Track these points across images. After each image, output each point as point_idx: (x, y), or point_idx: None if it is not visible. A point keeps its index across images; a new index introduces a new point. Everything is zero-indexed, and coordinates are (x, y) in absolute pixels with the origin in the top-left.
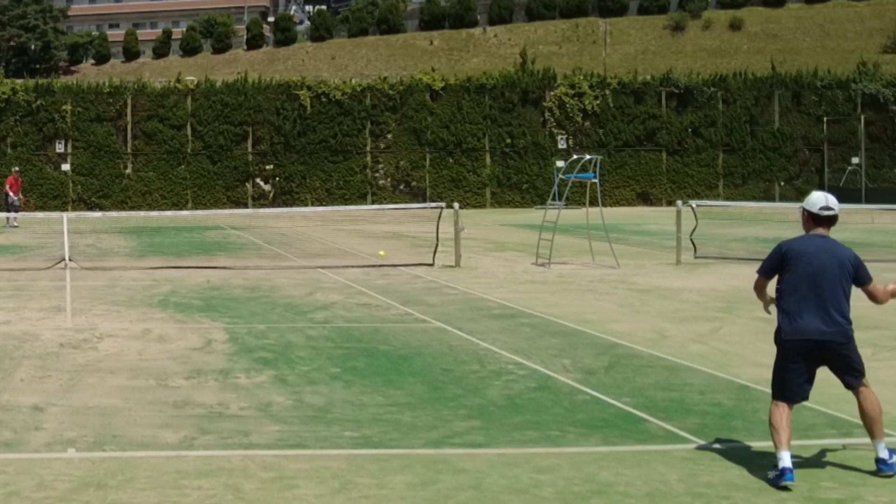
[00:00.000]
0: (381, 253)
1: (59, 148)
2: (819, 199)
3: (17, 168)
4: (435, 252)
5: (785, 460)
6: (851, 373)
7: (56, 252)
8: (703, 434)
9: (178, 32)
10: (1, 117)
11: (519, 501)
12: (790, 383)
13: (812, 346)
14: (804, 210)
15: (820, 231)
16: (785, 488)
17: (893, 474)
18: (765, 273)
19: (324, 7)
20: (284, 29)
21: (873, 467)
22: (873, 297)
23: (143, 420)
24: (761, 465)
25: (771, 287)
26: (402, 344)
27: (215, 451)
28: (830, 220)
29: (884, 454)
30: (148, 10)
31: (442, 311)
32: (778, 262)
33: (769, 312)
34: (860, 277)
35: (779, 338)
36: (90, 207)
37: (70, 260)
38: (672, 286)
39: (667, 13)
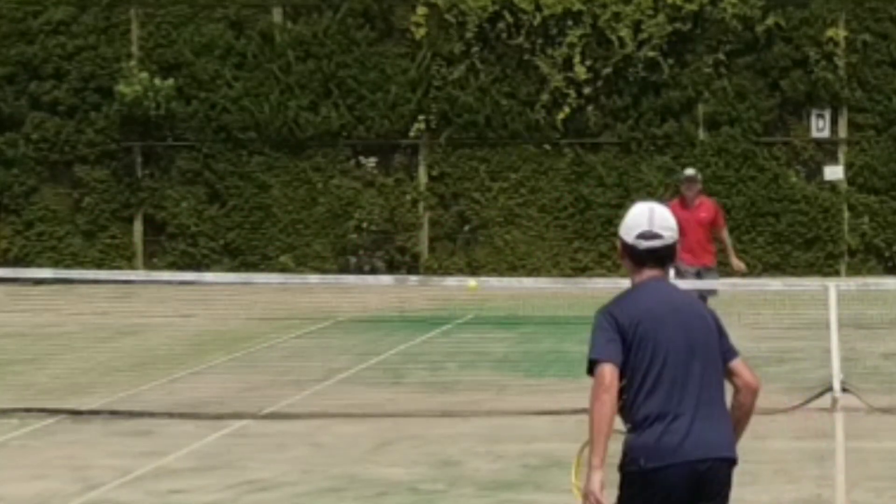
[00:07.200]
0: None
1: None
2: (638, 219)
3: (691, 172)
4: None
5: None
6: None
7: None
8: None
9: None
10: None
11: None
12: None
13: (693, 475)
14: (619, 239)
15: (648, 274)
16: None
17: None
18: (611, 353)
19: None
20: None
21: None
22: (743, 387)
23: None
24: None
25: None
26: None
27: None
28: (659, 256)
29: None
30: None
31: None
32: (618, 337)
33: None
34: (725, 348)
35: (632, 468)
36: None
37: (844, 389)
38: None
39: None
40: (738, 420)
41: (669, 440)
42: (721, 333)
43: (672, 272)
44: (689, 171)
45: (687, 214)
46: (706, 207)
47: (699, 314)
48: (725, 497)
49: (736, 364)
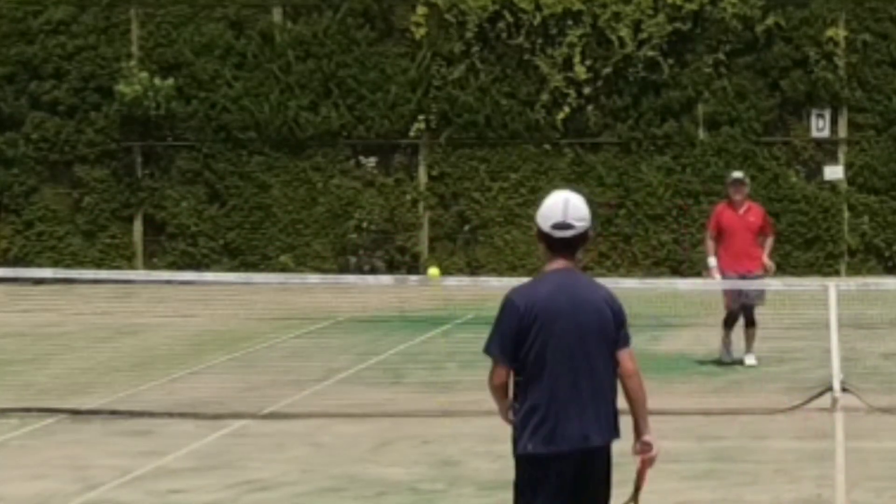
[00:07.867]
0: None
1: None
2: (553, 209)
3: (738, 175)
4: None
5: None
6: None
7: (813, 372)
8: None
9: None
10: None
11: None
12: None
13: (577, 462)
14: (536, 225)
15: (559, 263)
16: None
17: None
18: (503, 351)
19: None
20: None
21: None
22: (623, 374)
23: None
24: None
25: None
26: None
27: None
28: (570, 245)
29: None
30: None
31: None
32: (516, 329)
33: (511, 421)
34: (619, 338)
35: (520, 452)
36: None
37: (844, 389)
38: None
39: None
40: (632, 405)
41: (552, 429)
42: (619, 324)
43: (718, 276)
44: (737, 174)
45: (736, 218)
46: (755, 212)
47: (596, 306)
48: (607, 479)
49: (620, 353)
